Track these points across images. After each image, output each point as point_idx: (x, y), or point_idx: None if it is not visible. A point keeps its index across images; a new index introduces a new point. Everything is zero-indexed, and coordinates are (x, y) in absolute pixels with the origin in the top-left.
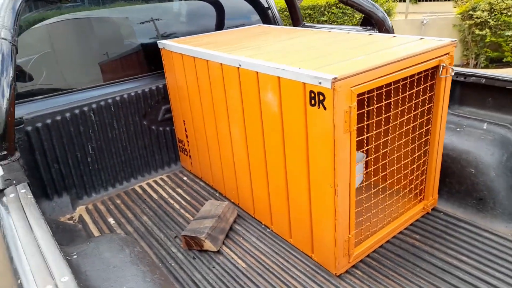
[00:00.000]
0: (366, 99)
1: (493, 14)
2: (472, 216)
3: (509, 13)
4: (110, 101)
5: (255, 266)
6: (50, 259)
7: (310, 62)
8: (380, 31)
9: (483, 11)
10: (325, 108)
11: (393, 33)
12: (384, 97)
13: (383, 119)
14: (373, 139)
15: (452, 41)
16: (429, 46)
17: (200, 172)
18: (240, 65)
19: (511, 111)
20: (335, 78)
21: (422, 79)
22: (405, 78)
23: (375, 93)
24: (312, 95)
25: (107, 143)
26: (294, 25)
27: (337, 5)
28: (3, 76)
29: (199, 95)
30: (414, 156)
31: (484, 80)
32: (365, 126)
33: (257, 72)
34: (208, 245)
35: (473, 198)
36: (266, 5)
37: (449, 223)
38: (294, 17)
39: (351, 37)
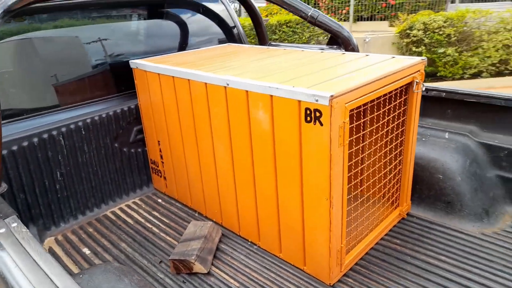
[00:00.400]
0: (354, 114)
1: (427, 33)
2: (442, 218)
3: (440, 32)
4: (80, 123)
5: (248, 284)
6: None
7: (299, 80)
8: (346, 50)
9: (418, 30)
10: (321, 124)
11: (358, 51)
12: (368, 112)
13: (368, 133)
14: (360, 152)
15: (422, 59)
16: (405, 64)
17: (176, 193)
18: (228, 84)
19: (469, 121)
20: (332, 95)
21: (398, 95)
22: (385, 94)
23: (362, 108)
24: (308, 112)
25: (77, 168)
26: (260, 44)
27: (288, 24)
28: None
29: (178, 115)
30: (391, 166)
31: (444, 94)
32: (354, 140)
33: (246, 91)
34: (198, 267)
35: (442, 201)
36: (232, 24)
37: (423, 226)
38: (261, 36)
39: (326, 56)
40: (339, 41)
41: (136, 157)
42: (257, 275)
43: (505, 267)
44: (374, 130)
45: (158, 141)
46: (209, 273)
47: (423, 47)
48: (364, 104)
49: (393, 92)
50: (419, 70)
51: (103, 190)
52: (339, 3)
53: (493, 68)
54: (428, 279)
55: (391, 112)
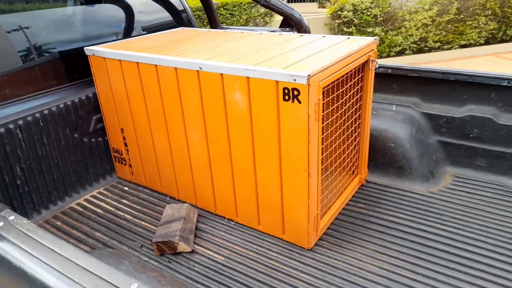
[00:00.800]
0: (324, 92)
1: (356, 14)
2: (395, 181)
3: (368, 13)
4: (38, 115)
5: (233, 257)
6: (111, 276)
7: (273, 61)
8: (299, 32)
9: (348, 11)
10: (299, 102)
11: (310, 32)
12: (335, 89)
13: (335, 109)
14: (329, 127)
15: (375, 39)
16: (362, 43)
17: (144, 180)
18: (200, 68)
19: (412, 94)
20: (309, 75)
21: (357, 72)
22: (347, 72)
23: (330, 86)
24: (286, 91)
25: (37, 162)
26: (212, 27)
27: (225, 7)
28: None
29: (144, 102)
30: (351, 139)
31: (390, 70)
32: (324, 116)
33: (221, 74)
34: (182, 246)
35: (394, 167)
36: (181, 8)
37: (380, 190)
38: (212, 20)
39: (286, 39)
40: (291, 24)
41: (97, 146)
42: (240, 248)
43: (452, 218)
44: (340, 106)
45: (122, 129)
46: (193, 251)
47: (353, 28)
48: (332, 82)
49: (353, 70)
50: (373, 49)
51: (65, 182)
52: None
53: (415, 45)
54: (391, 235)
55: (351, 89)
